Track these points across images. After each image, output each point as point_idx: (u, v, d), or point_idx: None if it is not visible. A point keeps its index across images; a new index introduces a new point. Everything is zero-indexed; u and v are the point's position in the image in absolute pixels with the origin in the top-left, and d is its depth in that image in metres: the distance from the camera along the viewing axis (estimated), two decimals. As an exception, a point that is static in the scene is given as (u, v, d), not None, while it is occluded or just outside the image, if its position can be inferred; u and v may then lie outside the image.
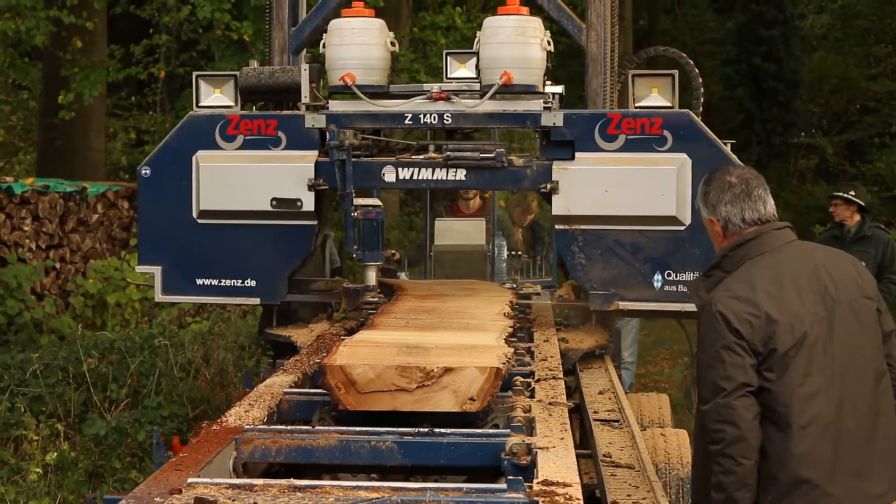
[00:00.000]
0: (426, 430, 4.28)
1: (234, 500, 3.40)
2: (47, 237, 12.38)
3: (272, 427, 4.45)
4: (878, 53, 25.13)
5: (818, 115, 25.56)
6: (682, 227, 6.46)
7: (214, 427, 4.34)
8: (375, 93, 6.75)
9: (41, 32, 14.11)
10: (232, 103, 6.89)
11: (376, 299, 6.59)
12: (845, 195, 10.10)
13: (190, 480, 3.60)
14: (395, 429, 4.30)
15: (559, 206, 6.58)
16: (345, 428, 4.39)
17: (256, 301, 6.96)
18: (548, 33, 6.60)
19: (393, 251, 9.76)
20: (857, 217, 10.08)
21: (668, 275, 6.52)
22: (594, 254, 6.57)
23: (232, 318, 11.90)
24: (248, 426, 4.35)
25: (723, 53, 25.13)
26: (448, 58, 8.31)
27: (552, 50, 6.63)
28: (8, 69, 16.51)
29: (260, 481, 3.62)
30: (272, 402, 4.74)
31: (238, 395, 5.62)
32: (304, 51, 7.48)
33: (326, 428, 4.48)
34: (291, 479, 3.62)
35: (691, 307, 6.50)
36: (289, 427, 4.46)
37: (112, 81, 16.91)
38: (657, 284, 6.52)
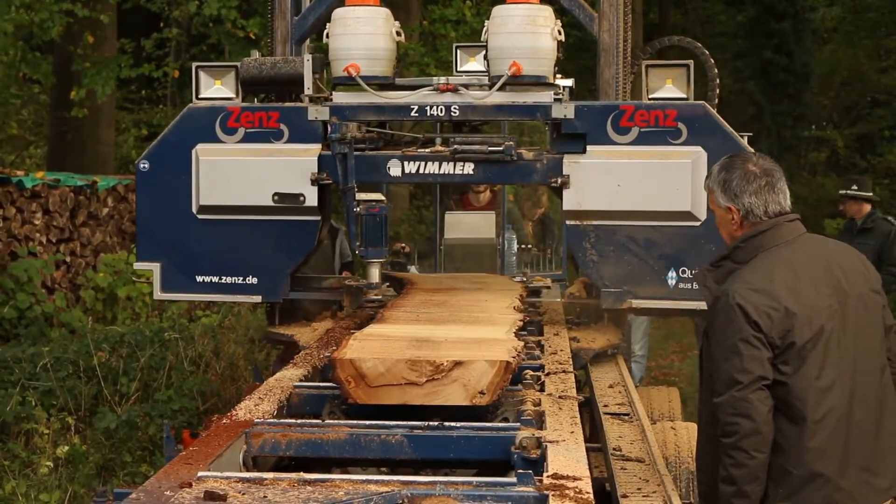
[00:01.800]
0: (436, 423, 4.28)
1: (243, 494, 3.41)
2: (58, 231, 12.39)
3: (282, 421, 4.45)
4: (889, 46, 25.04)
5: (829, 107, 25.47)
6: (697, 223, 6.27)
7: (224, 421, 4.35)
8: (381, 84, 6.60)
9: (56, 25, 14.09)
10: (233, 95, 6.70)
11: (380, 297, 6.43)
12: (849, 192, 10.30)
13: (200, 474, 3.60)
14: (405, 422, 4.31)
15: (570, 201, 6.39)
16: (355, 422, 4.40)
17: (258, 299, 6.76)
18: (559, 22, 6.44)
19: (403, 244, 9.76)
20: (867, 208, 10.26)
21: (683, 272, 6.33)
22: (606, 250, 6.38)
23: (242, 312, 11.90)
24: (258, 420, 4.35)
25: (733, 46, 25.05)
26: (458, 51, 8.21)
27: (563, 40, 6.47)
28: (19, 63, 16.51)
29: (270, 475, 3.63)
30: (282, 396, 4.75)
31: (248, 389, 5.63)
32: (307, 41, 7.29)
33: (336, 422, 4.48)
34: (301, 473, 3.63)
35: (706, 305, 6.44)
36: (299, 421, 4.48)
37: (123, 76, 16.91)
38: (671, 282, 6.34)
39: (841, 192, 10.58)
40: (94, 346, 9.78)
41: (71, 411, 8.91)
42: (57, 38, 14.72)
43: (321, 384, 5.06)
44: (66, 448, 8.15)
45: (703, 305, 6.28)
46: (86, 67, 14.88)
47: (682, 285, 6.34)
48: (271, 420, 4.41)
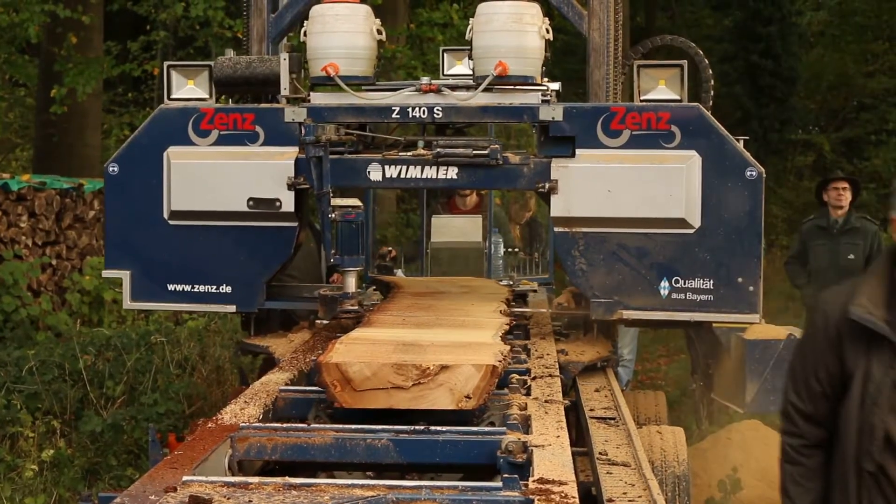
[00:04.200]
0: (422, 427, 4.28)
1: (228, 499, 3.40)
2: (44, 234, 12.35)
3: (268, 425, 4.44)
4: (876, 50, 25.14)
5: (815, 111, 25.55)
6: (691, 231, 6.03)
7: (210, 425, 4.34)
8: (361, 84, 6.35)
9: (35, 24, 14.06)
10: (206, 96, 6.44)
11: (356, 307, 6.16)
12: (849, 176, 10.37)
13: (185, 478, 3.59)
14: (390, 426, 4.29)
15: (558, 207, 6.12)
16: (340, 426, 4.38)
17: (232, 309, 6.49)
18: (546, 20, 6.20)
19: (389, 248, 9.76)
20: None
21: (676, 281, 6.08)
22: (596, 259, 6.12)
23: (228, 316, 11.87)
24: (243, 424, 4.34)
25: (720, 50, 25.09)
26: (445, 54, 8.13)
27: (551, 38, 6.23)
28: (3, 65, 16.49)
29: (255, 479, 3.62)
30: (268, 400, 4.74)
31: (234, 393, 5.61)
32: (285, 39, 7.03)
33: (322, 426, 4.47)
34: (287, 478, 3.62)
35: (700, 317, 6.11)
36: (284, 425, 4.46)
37: (108, 78, 16.88)
38: (664, 292, 6.09)
39: (840, 176, 10.60)
40: (80, 350, 9.76)
41: (56, 415, 8.88)
42: (35, 38, 14.67)
43: (307, 388, 5.05)
44: (52, 451, 8.14)
45: (697, 317, 6.10)
46: (68, 68, 14.86)
47: (675, 295, 6.10)
48: (257, 424, 4.40)
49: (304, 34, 6.39)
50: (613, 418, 5.22)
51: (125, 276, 6.48)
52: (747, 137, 6.55)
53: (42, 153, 16.77)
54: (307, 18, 6.44)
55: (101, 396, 9.22)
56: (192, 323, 11.79)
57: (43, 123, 16.42)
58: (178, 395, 9.35)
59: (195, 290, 6.44)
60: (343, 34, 6.29)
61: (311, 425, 4.50)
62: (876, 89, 23.99)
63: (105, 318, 12.24)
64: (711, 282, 6.06)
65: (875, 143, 23.03)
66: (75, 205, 12.90)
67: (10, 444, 8.43)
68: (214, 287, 6.43)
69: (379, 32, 6.39)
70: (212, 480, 3.61)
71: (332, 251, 6.10)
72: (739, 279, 6.03)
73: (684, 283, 6.10)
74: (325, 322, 6.21)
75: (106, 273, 6.60)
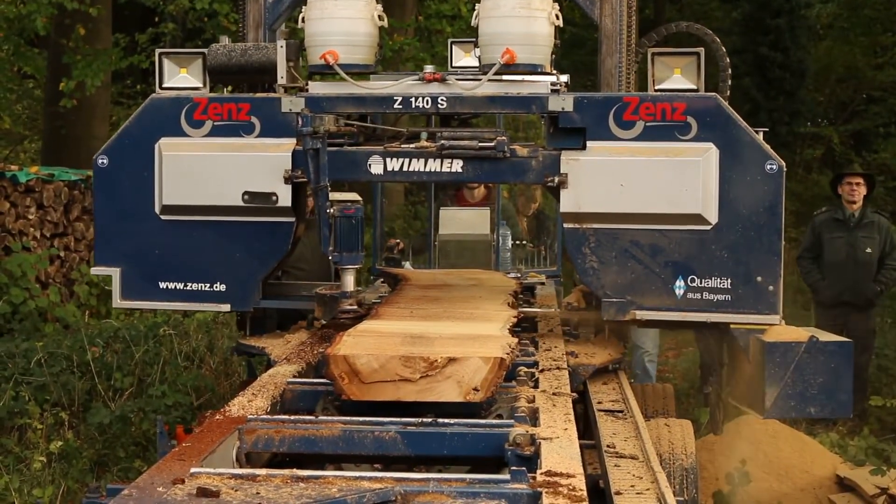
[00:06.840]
0: (430, 420, 4.28)
1: (236, 491, 3.40)
2: (52, 226, 12.37)
3: (275, 417, 4.45)
4: (885, 43, 25.05)
5: (824, 104, 25.47)
6: (708, 227, 5.79)
7: (218, 417, 4.34)
8: (361, 73, 6.15)
9: (42, 15, 14.06)
10: (200, 84, 6.18)
11: (354, 307, 5.97)
12: (864, 172, 10.37)
13: (193, 470, 3.60)
14: (398, 419, 4.30)
15: (568, 202, 5.86)
16: (348, 418, 4.39)
17: (226, 308, 6.20)
18: (556, 6, 6.00)
19: (397, 241, 9.76)
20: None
21: (692, 280, 5.85)
22: (608, 256, 5.89)
23: (235, 308, 11.88)
24: (251, 416, 4.35)
25: (729, 43, 24.90)
26: (453, 46, 8.06)
27: (561, 24, 6.01)
28: (11, 57, 16.49)
29: (263, 471, 3.63)
30: (276, 392, 4.74)
31: (242, 385, 5.62)
32: (282, 26, 6.79)
33: (330, 418, 4.48)
34: (294, 470, 3.63)
35: (717, 317, 5.88)
36: (292, 417, 4.47)
37: (116, 70, 16.88)
38: (679, 291, 5.85)
39: (856, 171, 10.59)
40: (88, 341, 9.76)
41: (64, 406, 8.89)
42: (43, 30, 14.67)
43: (315, 380, 5.05)
44: (60, 443, 8.13)
45: (714, 318, 5.86)
46: (76, 60, 14.86)
47: (690, 295, 5.87)
48: (265, 416, 4.40)
49: (302, 20, 6.19)
50: (621, 411, 5.21)
51: (115, 273, 6.25)
52: (767, 129, 6.30)
53: (50, 145, 16.78)
54: (305, 4, 6.23)
55: (109, 388, 9.23)
56: (200, 315, 11.79)
57: (51, 115, 16.43)
58: (186, 387, 9.35)
59: (188, 287, 6.21)
60: (343, 20, 6.09)
61: (319, 417, 4.51)
62: (885, 82, 23.92)
63: (113, 310, 12.24)
64: (729, 281, 5.83)
65: (884, 135, 22.99)
66: (83, 197, 12.92)
67: (19, 436, 8.44)
68: (208, 285, 6.19)
69: (381, 19, 6.19)
70: (220, 472, 3.61)
71: (330, 248, 5.82)
72: (758, 278, 5.80)
73: (700, 283, 5.86)
74: (323, 323, 6.08)
75: (95, 270, 6.40)
